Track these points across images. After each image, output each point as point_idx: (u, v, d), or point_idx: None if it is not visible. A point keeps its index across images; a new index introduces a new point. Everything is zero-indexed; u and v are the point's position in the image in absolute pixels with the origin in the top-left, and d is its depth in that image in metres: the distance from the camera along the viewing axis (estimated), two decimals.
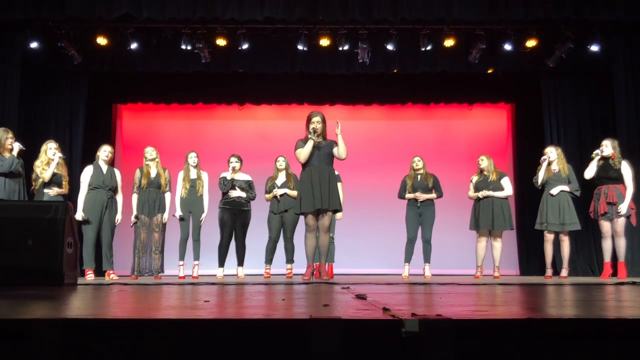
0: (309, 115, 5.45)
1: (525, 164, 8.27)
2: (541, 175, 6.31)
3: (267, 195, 6.51)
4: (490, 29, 7.41)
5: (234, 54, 7.72)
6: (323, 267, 5.40)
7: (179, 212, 6.36)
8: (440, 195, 6.56)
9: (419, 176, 6.60)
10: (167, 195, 6.36)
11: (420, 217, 6.51)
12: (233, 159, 6.41)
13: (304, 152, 5.31)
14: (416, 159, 6.64)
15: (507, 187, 6.47)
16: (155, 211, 6.21)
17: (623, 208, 5.97)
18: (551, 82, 8.27)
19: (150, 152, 6.35)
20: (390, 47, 7.49)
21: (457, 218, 7.48)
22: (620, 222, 6.03)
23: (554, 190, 6.21)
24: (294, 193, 6.19)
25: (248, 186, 6.45)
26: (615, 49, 7.50)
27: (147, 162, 6.33)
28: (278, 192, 6.39)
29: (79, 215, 5.90)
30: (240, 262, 6.42)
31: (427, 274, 6.42)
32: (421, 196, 6.48)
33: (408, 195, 6.56)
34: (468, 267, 7.02)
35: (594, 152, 6.23)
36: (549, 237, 6.28)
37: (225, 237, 6.37)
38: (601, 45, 7.50)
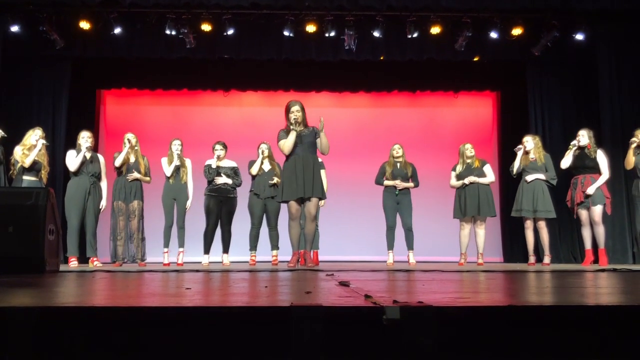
0: (287, 104, 5.41)
1: (509, 152, 8.26)
2: (517, 164, 6.39)
3: (252, 169, 6.39)
4: (476, 16, 7.41)
5: (219, 40, 7.63)
6: (308, 254, 5.40)
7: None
8: (416, 185, 6.63)
9: (398, 164, 6.63)
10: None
11: (398, 205, 6.55)
12: (218, 147, 6.36)
13: (287, 144, 5.27)
14: (396, 146, 6.67)
15: (490, 174, 6.55)
16: (131, 197, 6.14)
17: (591, 190, 6.05)
18: (536, 71, 8.29)
19: (131, 139, 6.24)
20: (376, 34, 7.45)
21: (443, 205, 7.52)
22: (597, 210, 6.12)
23: (529, 177, 6.28)
24: None
25: (234, 173, 6.41)
26: (600, 38, 7.54)
27: (127, 149, 6.21)
28: (273, 181, 6.33)
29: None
30: (226, 249, 6.42)
31: (411, 261, 6.47)
32: (400, 184, 6.51)
33: (387, 182, 6.59)
34: (453, 254, 7.07)
35: (571, 143, 6.32)
36: (529, 224, 6.37)
37: (210, 224, 6.35)
38: (586, 34, 7.53)
